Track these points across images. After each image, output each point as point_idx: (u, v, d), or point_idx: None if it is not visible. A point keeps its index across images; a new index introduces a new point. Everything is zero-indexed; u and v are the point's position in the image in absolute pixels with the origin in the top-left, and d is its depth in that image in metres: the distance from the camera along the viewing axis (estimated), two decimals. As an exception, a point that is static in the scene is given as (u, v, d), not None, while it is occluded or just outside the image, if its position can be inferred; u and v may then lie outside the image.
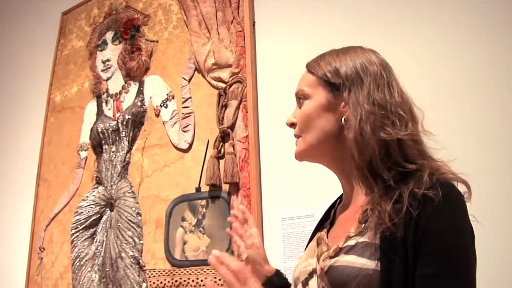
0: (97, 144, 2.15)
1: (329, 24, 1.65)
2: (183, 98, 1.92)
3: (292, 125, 0.88)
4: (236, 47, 1.80)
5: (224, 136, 1.75)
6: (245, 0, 1.83)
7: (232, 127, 1.73)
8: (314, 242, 0.86)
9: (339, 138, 0.81)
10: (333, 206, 0.93)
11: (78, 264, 2.01)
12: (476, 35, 1.36)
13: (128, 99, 2.12)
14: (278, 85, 1.70)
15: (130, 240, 1.88)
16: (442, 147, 0.80)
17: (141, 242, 1.85)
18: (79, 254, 2.03)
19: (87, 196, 2.11)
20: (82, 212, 2.09)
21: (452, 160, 0.77)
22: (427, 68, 1.41)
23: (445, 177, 0.73)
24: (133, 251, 1.85)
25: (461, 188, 0.74)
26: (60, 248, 2.13)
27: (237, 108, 1.74)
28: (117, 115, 2.12)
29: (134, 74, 2.13)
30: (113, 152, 2.08)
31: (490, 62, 1.32)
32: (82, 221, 2.07)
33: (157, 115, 1.99)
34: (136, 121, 2.05)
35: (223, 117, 1.76)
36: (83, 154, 2.21)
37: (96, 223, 2.04)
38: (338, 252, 0.74)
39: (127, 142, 2.05)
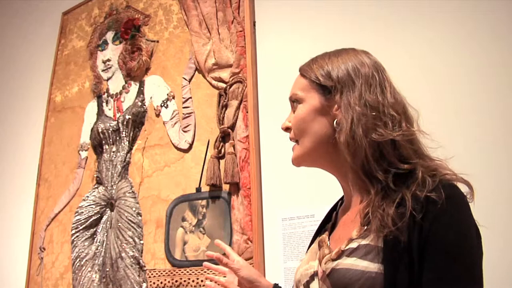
0: (98, 144, 2.15)
1: (329, 24, 1.65)
2: (183, 98, 1.92)
3: (287, 129, 0.88)
4: (236, 47, 1.81)
5: (225, 136, 1.75)
6: (246, 0, 1.83)
7: (232, 127, 1.73)
8: (315, 244, 0.86)
9: (334, 142, 0.81)
10: (334, 208, 0.93)
11: (78, 264, 2.02)
12: (477, 35, 1.36)
13: (128, 99, 2.12)
14: (278, 85, 1.70)
15: (131, 240, 1.88)
16: (438, 146, 0.80)
17: (142, 242, 1.85)
18: (80, 254, 2.03)
19: (88, 196, 2.11)
20: (82, 212, 2.09)
21: (449, 158, 0.77)
22: (427, 68, 1.41)
23: (447, 178, 0.73)
24: (133, 251, 1.85)
25: (463, 188, 0.74)
26: (61, 248, 2.13)
27: (238, 108, 1.74)
28: (117, 115, 2.12)
29: (135, 74, 2.13)
30: (113, 152, 2.08)
31: (490, 61, 1.32)
32: (83, 221, 2.07)
33: (158, 115, 1.99)
34: (137, 121, 2.05)
35: (223, 117, 1.76)
36: (84, 154, 2.22)
37: (96, 223, 2.04)
38: (340, 254, 0.74)
39: (127, 142, 2.05)
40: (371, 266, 0.69)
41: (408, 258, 0.67)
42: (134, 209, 1.92)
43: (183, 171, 1.84)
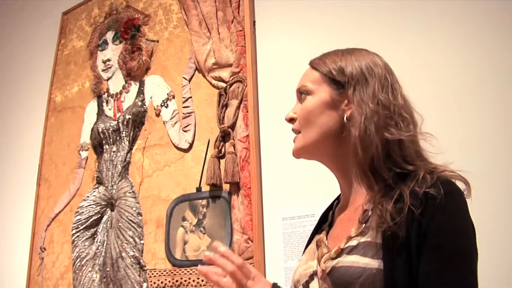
0: (98, 144, 2.15)
1: (330, 23, 1.65)
2: (183, 97, 1.92)
3: (291, 120, 0.88)
4: (236, 47, 1.80)
5: (225, 136, 1.75)
6: (246, -1, 1.83)
7: (232, 126, 1.73)
8: (313, 244, 0.86)
9: (340, 136, 0.82)
10: (330, 208, 0.93)
11: (79, 264, 2.02)
12: (477, 35, 1.36)
13: (128, 99, 2.12)
14: (278, 85, 1.70)
15: (131, 240, 1.88)
16: (439, 152, 0.81)
17: (142, 242, 1.85)
18: (80, 254, 2.03)
19: (88, 196, 2.11)
20: (82, 212, 2.09)
21: (450, 163, 0.78)
22: (428, 68, 1.41)
23: (445, 175, 0.74)
24: (133, 251, 1.85)
25: (460, 185, 0.75)
26: (61, 248, 2.13)
27: (238, 107, 1.73)
28: (117, 115, 2.12)
29: (135, 74, 2.13)
30: (113, 152, 2.08)
31: (491, 62, 1.32)
32: (83, 221, 2.07)
33: (158, 115, 1.99)
34: (137, 121, 2.05)
35: (223, 117, 1.76)
36: (84, 154, 2.22)
37: (96, 223, 2.04)
38: (339, 253, 0.74)
39: (127, 142, 2.05)
40: (372, 263, 0.70)
41: (407, 253, 0.68)
42: (134, 209, 1.92)
43: (184, 170, 1.83)
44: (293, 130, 0.88)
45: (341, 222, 0.84)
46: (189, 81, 1.93)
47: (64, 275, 2.07)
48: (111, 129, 2.11)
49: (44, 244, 2.20)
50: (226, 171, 1.67)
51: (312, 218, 1.48)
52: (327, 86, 0.84)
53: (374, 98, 0.79)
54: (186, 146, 1.85)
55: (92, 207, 2.07)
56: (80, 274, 1.99)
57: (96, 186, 2.10)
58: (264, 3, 1.84)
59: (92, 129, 2.20)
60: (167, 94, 1.99)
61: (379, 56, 0.86)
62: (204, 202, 1.74)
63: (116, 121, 2.11)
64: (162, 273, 1.75)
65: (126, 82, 2.17)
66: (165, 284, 1.72)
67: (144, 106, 2.05)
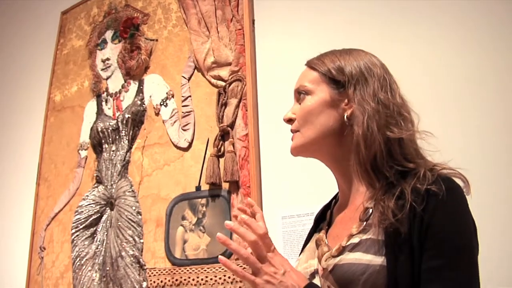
0: (97, 143, 2.15)
1: (329, 22, 1.65)
2: (182, 96, 1.92)
3: (289, 121, 0.88)
4: (235, 45, 1.80)
5: (224, 135, 1.75)
6: (245, -2, 1.83)
7: (232, 125, 1.73)
8: (312, 243, 0.86)
9: (340, 135, 0.82)
10: (328, 207, 0.93)
11: (78, 263, 2.02)
12: (477, 35, 1.36)
13: (128, 98, 2.12)
14: (277, 83, 1.70)
15: (131, 239, 1.88)
16: (436, 150, 0.81)
17: (142, 241, 1.85)
18: (80, 253, 2.03)
19: (87, 195, 2.11)
20: (82, 211, 2.09)
21: (448, 161, 0.78)
22: (428, 68, 1.40)
23: (445, 172, 0.75)
24: (133, 250, 1.85)
25: (459, 182, 0.75)
26: (61, 247, 2.13)
27: (237, 106, 1.73)
28: (117, 114, 2.12)
29: (134, 73, 2.13)
30: (113, 151, 2.08)
31: (491, 62, 1.31)
32: (83, 220, 2.07)
33: (157, 114, 1.99)
34: (136, 120, 2.04)
35: (223, 116, 1.76)
36: (83, 153, 2.21)
37: (96, 222, 2.04)
38: (341, 251, 0.75)
39: (127, 141, 2.05)
40: (375, 260, 0.70)
41: (409, 250, 0.68)
42: (134, 208, 1.92)
43: (183, 169, 1.83)
44: (291, 131, 0.88)
45: (341, 221, 0.84)
46: (188, 80, 1.93)
47: (63, 274, 2.07)
48: (110, 128, 2.11)
49: (43, 243, 2.20)
50: (226, 170, 1.67)
51: (312, 217, 1.46)
52: (326, 85, 0.84)
53: (375, 97, 0.79)
54: (185, 145, 1.85)
55: (92, 206, 2.07)
56: (80, 273, 1.99)
57: (95, 185, 2.10)
58: (263, 2, 1.83)
59: (91, 128, 2.20)
60: (166, 93, 1.99)
61: (376, 56, 0.87)
62: (203, 201, 1.74)
63: (116, 120, 2.10)
64: (161, 272, 1.75)
65: (125, 81, 2.16)
66: (165, 283, 1.72)
67: (144, 105, 2.05)
